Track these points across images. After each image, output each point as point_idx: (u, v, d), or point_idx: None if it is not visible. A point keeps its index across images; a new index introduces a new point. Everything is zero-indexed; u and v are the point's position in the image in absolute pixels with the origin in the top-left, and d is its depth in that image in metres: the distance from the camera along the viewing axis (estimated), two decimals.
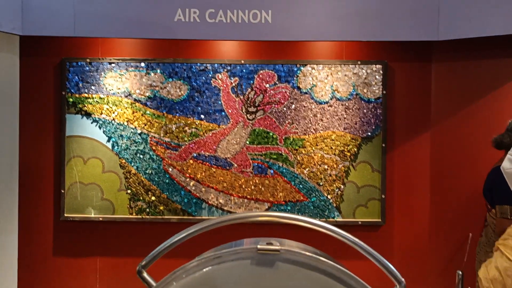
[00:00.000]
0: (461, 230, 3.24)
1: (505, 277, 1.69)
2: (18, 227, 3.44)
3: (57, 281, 3.45)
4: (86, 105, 3.45)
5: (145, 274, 1.01)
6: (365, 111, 3.41)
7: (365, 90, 3.42)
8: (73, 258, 3.46)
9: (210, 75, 3.45)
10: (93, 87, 3.45)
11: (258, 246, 0.96)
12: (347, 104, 3.42)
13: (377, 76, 3.43)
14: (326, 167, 3.40)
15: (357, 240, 0.98)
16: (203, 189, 3.41)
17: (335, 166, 3.40)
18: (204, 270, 0.98)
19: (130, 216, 3.40)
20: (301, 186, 3.41)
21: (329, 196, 3.41)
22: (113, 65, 3.44)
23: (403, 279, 0.95)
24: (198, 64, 3.45)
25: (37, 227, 3.47)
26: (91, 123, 3.45)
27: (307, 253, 0.98)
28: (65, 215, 3.41)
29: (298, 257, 0.97)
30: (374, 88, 3.42)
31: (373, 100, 3.42)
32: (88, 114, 3.45)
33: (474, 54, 3.33)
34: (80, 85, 3.46)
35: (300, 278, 0.95)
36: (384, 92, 3.41)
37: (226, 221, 1.16)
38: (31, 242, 3.47)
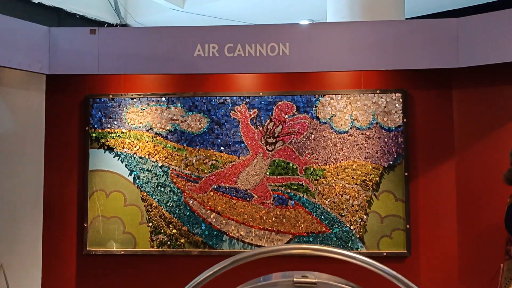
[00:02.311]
0: (491, 261, 3.11)
1: None
2: (42, 260, 3.48)
3: None
4: (108, 139, 3.52)
5: None
6: (386, 139, 3.38)
7: (385, 119, 3.40)
8: None
9: (229, 107, 3.49)
10: (115, 122, 3.53)
11: (295, 279, 0.94)
12: (367, 133, 3.39)
13: (397, 105, 3.41)
14: (348, 197, 3.35)
15: (395, 273, 0.95)
16: (224, 221, 3.40)
17: (357, 196, 3.34)
18: None
19: (151, 249, 3.40)
20: (323, 217, 3.35)
21: (352, 227, 3.34)
22: (134, 100, 3.53)
23: None
24: (218, 97, 3.50)
25: (60, 261, 3.50)
26: (113, 157, 3.51)
27: (344, 286, 0.96)
28: (88, 248, 3.43)
29: None
30: (394, 117, 3.40)
31: (393, 128, 3.38)
32: (110, 149, 3.52)
33: (494, 80, 3.28)
34: (103, 120, 3.54)
35: None
36: (405, 120, 3.37)
37: (261, 253, 1.12)
38: (55, 276, 3.49)
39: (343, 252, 1.02)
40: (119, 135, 3.52)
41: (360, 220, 3.33)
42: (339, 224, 3.34)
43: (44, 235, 3.52)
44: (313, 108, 3.44)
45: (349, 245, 3.32)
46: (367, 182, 3.35)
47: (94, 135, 3.53)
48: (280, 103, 3.47)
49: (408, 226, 3.28)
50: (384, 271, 0.97)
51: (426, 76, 3.43)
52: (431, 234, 3.33)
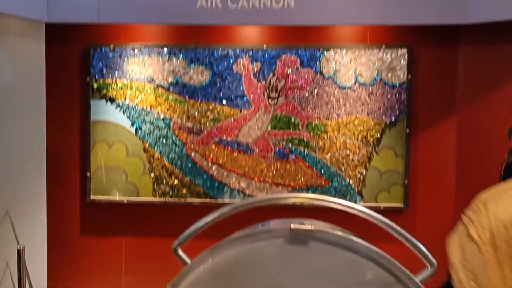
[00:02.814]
0: None
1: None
2: (47, 208, 3.56)
3: (84, 260, 3.57)
4: (110, 90, 3.50)
5: (180, 252, 1.03)
6: (389, 96, 3.36)
7: (389, 75, 3.37)
8: (100, 238, 3.57)
9: (232, 60, 3.45)
10: (116, 73, 3.50)
11: (292, 226, 0.96)
12: (370, 89, 3.37)
13: (402, 61, 3.37)
14: (348, 152, 3.38)
15: (390, 222, 0.98)
16: (225, 173, 3.45)
17: (357, 151, 3.37)
18: (238, 248, 0.98)
19: (154, 199, 3.47)
20: (322, 171, 3.40)
21: (351, 181, 3.39)
22: (136, 51, 3.48)
23: (434, 261, 0.95)
24: (220, 49, 3.45)
25: (65, 209, 3.58)
26: (115, 108, 3.51)
27: (340, 233, 0.98)
28: (91, 197, 3.50)
29: (331, 236, 0.97)
30: (398, 73, 3.37)
31: (397, 85, 3.36)
32: (112, 100, 3.51)
33: (502, 38, 3.22)
34: (104, 71, 3.51)
35: (333, 257, 0.96)
36: (409, 77, 3.35)
37: (262, 201, 1.17)
38: (59, 223, 3.58)
39: (339, 201, 1.05)
40: (120, 86, 3.50)
41: (359, 175, 3.38)
42: (338, 178, 3.39)
43: (48, 184, 3.58)
44: (317, 63, 3.40)
45: (347, 198, 3.39)
46: (368, 138, 3.38)
47: (95, 85, 3.51)
48: (283, 57, 3.43)
49: (406, 182, 3.33)
50: (378, 219, 1.00)
51: (432, 32, 3.37)
52: (429, 190, 3.39)
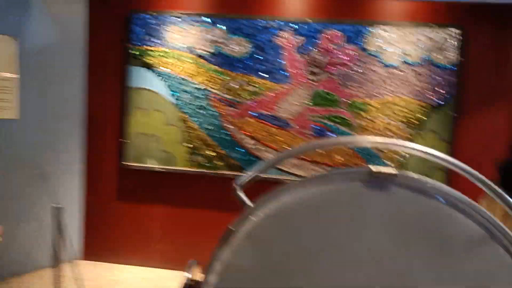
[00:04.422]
0: None
1: None
2: (84, 171, 3.62)
3: (119, 224, 3.63)
4: (150, 58, 3.48)
5: (240, 193, 0.91)
6: (437, 77, 3.22)
7: (438, 56, 3.21)
8: (135, 204, 3.62)
9: (274, 33, 3.36)
10: (157, 40, 3.47)
11: (373, 169, 0.85)
12: (418, 70, 3.23)
13: (452, 41, 3.20)
14: (390, 133, 3.28)
15: (486, 180, 0.86)
16: (262, 148, 3.40)
17: (400, 133, 3.26)
18: (310, 190, 0.89)
19: (190, 169, 3.47)
20: (361, 151, 3.32)
21: (390, 164, 3.30)
22: (177, 19, 3.42)
23: None
24: (263, 21, 3.36)
25: (101, 173, 3.63)
26: (155, 76, 3.49)
27: (428, 180, 0.86)
28: (128, 163, 3.53)
29: (418, 183, 0.85)
30: (448, 54, 3.21)
31: (446, 66, 3.21)
32: (151, 67, 3.48)
33: None
34: (145, 38, 3.48)
35: (417, 206, 0.85)
36: (460, 58, 3.18)
37: (338, 143, 1.04)
38: (96, 187, 3.64)
39: (417, 147, 0.92)
40: (160, 54, 3.47)
41: (400, 158, 3.28)
42: (377, 160, 3.31)
43: (86, 148, 3.63)
44: (363, 39, 3.28)
45: None
46: (412, 120, 3.25)
47: (135, 52, 3.49)
48: (328, 31, 3.31)
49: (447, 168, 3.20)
50: (459, 166, 0.87)
51: (486, 12, 3.18)
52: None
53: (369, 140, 1.26)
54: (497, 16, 3.20)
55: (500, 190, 0.85)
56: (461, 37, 3.18)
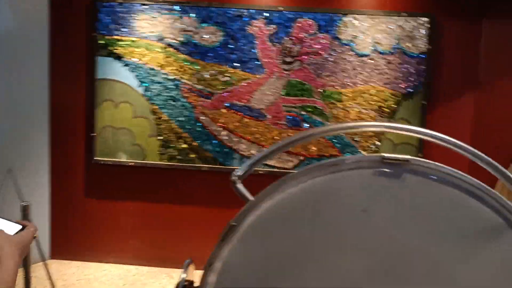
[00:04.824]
0: None
1: None
2: (50, 166, 3.47)
3: (88, 221, 3.51)
4: (117, 47, 3.35)
5: (240, 186, 0.85)
6: (407, 66, 3.25)
7: (409, 44, 3.24)
8: (104, 200, 3.50)
9: (246, 21, 3.29)
10: (124, 29, 3.33)
11: (384, 155, 0.82)
12: (389, 58, 3.26)
13: (422, 30, 3.23)
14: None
15: (499, 165, 0.83)
16: (235, 139, 3.36)
17: (372, 121, 3.28)
18: (318, 178, 0.83)
19: (161, 162, 3.38)
20: (335, 141, 3.32)
21: (364, 152, 3.33)
22: (145, 7, 3.30)
23: None
24: (234, 9, 3.29)
25: (69, 169, 3.49)
26: (123, 66, 3.36)
27: (442, 165, 0.83)
28: (96, 158, 3.40)
29: (431, 169, 0.82)
30: (418, 42, 3.24)
31: (416, 55, 3.24)
32: (119, 57, 3.35)
33: None
34: (111, 26, 3.34)
35: (432, 193, 0.82)
36: (430, 47, 3.23)
37: (336, 129, 0.99)
38: (64, 183, 3.50)
39: (423, 131, 0.88)
40: (128, 44, 3.34)
41: (373, 146, 3.31)
42: (351, 149, 3.32)
43: (51, 142, 3.47)
44: (335, 28, 3.26)
45: None
46: (384, 109, 3.29)
47: (102, 41, 3.35)
48: (300, 20, 3.28)
49: (420, 155, 3.27)
50: (463, 148, 0.84)
51: (456, 2, 3.23)
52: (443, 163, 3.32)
53: (370, 124, 1.19)
54: (465, 5, 3.26)
55: (499, 166, 0.82)
56: (430, 26, 3.21)
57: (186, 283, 0.86)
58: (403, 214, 0.83)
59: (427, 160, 0.82)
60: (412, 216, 0.83)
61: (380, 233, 0.83)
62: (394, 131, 0.92)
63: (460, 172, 0.83)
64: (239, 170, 0.88)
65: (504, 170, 0.84)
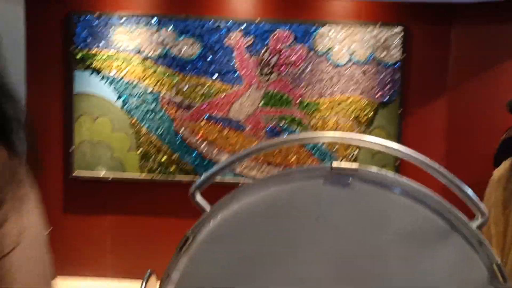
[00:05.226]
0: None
1: None
2: None
3: (67, 238, 3.45)
4: (94, 61, 3.33)
5: (198, 198, 0.87)
6: (382, 75, 3.32)
7: (383, 54, 3.32)
8: (83, 216, 3.45)
9: (223, 33, 3.32)
10: (102, 43, 3.32)
11: (333, 165, 0.85)
12: (364, 68, 3.32)
13: (396, 40, 3.31)
14: (341, 131, 3.34)
15: (441, 168, 0.86)
16: (215, 151, 3.36)
17: (350, 131, 3.34)
18: (269, 190, 0.86)
19: (141, 176, 3.36)
20: (314, 150, 3.36)
21: (344, 161, 3.36)
22: (123, 19, 3.30)
23: (485, 210, 0.85)
24: (212, 21, 3.31)
25: (46, 185, 3.43)
26: (100, 80, 3.34)
27: (389, 173, 0.87)
28: (75, 173, 3.36)
29: (379, 177, 0.85)
30: (392, 52, 3.32)
31: (391, 64, 3.32)
32: (97, 71, 3.34)
33: (495, 17, 3.21)
34: (89, 40, 3.32)
35: (380, 200, 0.85)
36: (403, 56, 3.31)
37: (289, 141, 1.02)
38: (41, 199, 3.43)
39: (375, 140, 0.91)
40: (106, 57, 3.33)
41: (351, 155, 3.36)
42: (330, 158, 3.36)
43: (28, 158, 3.41)
44: (311, 39, 3.32)
45: None
46: (361, 118, 3.34)
47: (79, 55, 3.33)
48: (277, 31, 3.32)
49: (398, 162, 3.33)
50: (424, 162, 0.88)
51: (427, 11, 3.33)
52: (419, 170, 3.38)
53: (330, 135, 1.25)
54: (436, 14, 3.36)
55: (454, 178, 0.87)
56: (403, 35, 3.29)
57: None
58: (353, 220, 0.86)
59: (375, 169, 0.87)
60: (362, 222, 0.87)
61: (333, 240, 0.86)
62: (342, 141, 0.97)
63: (406, 179, 0.87)
64: (198, 181, 0.90)
65: (448, 174, 0.89)
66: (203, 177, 0.91)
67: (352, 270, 0.85)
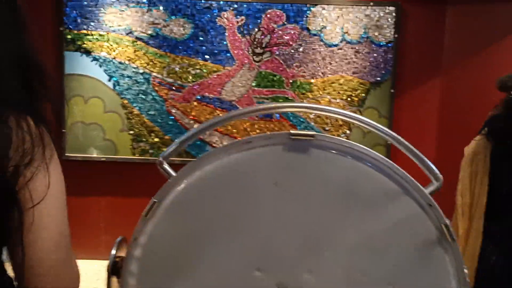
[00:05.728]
0: None
1: None
2: None
3: None
4: (85, 42, 3.30)
5: (166, 165, 0.94)
6: (375, 55, 3.30)
7: (376, 33, 3.29)
8: (76, 197, 3.46)
9: (215, 13, 3.29)
10: (92, 23, 3.29)
11: (291, 131, 0.90)
12: (357, 48, 3.30)
13: (389, 19, 3.29)
14: None
15: (395, 134, 0.91)
16: (207, 131, 3.36)
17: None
18: (233, 155, 0.90)
19: (133, 157, 3.37)
20: (307, 129, 3.36)
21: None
22: (113, 0, 3.26)
23: (440, 175, 0.90)
24: (203, 1, 3.28)
25: None
26: (91, 61, 3.32)
27: (344, 140, 0.93)
28: (67, 154, 3.36)
29: (334, 143, 0.91)
30: (385, 32, 3.29)
31: (384, 43, 3.29)
32: (87, 52, 3.31)
33: None
34: (79, 20, 3.29)
35: (336, 166, 0.90)
36: (396, 35, 3.28)
37: (258, 110, 1.08)
38: None
39: (342, 112, 0.98)
40: (96, 38, 3.30)
41: (343, 135, 3.36)
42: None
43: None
44: (304, 18, 3.29)
45: None
46: (353, 98, 3.33)
47: (69, 36, 3.30)
48: (269, 11, 3.29)
49: (389, 142, 3.33)
50: (382, 131, 0.94)
51: None
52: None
53: (294, 104, 1.29)
54: None
55: (411, 146, 0.91)
56: (396, 15, 3.27)
57: (117, 259, 0.92)
58: (311, 186, 0.90)
59: (332, 136, 0.91)
60: (319, 187, 0.90)
61: (291, 205, 0.90)
62: (305, 110, 1.00)
63: (361, 145, 0.92)
64: (165, 152, 0.94)
65: (410, 146, 0.93)
66: (170, 147, 0.95)
67: (310, 234, 0.89)
